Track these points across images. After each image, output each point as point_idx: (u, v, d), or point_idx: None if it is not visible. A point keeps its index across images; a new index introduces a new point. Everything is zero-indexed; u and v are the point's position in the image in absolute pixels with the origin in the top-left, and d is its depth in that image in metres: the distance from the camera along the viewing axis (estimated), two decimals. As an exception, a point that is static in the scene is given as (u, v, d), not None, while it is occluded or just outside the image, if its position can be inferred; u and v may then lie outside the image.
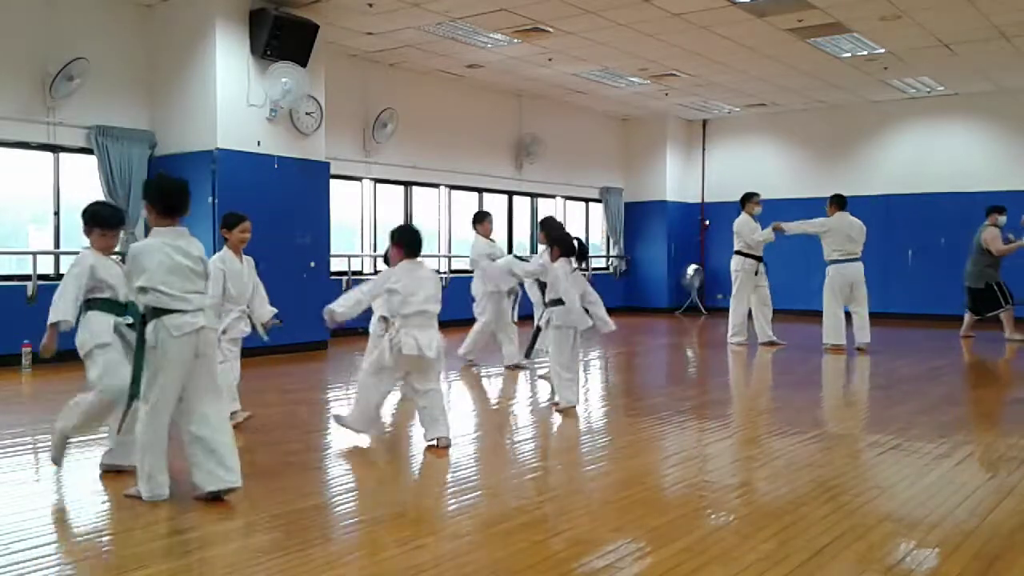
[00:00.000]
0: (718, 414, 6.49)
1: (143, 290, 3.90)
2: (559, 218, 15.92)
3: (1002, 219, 11.42)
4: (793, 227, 10.61)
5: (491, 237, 9.09)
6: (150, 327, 3.91)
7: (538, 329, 6.52)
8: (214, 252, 8.88)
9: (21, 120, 8.63)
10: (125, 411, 4.08)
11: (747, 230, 10.80)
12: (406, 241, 5.27)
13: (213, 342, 4.14)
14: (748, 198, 10.99)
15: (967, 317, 11.70)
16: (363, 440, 5.77)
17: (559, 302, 6.28)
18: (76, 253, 9.80)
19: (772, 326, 10.81)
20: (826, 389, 8.07)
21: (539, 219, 8.87)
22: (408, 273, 5.14)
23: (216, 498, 3.95)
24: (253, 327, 5.86)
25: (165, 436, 3.98)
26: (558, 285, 6.26)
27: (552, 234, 6.69)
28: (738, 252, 10.87)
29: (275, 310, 5.94)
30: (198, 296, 4.01)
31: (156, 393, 3.92)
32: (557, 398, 6.42)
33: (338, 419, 5.40)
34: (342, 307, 5.14)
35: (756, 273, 10.79)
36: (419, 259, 5.28)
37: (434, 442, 5.13)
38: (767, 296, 10.89)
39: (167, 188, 4.12)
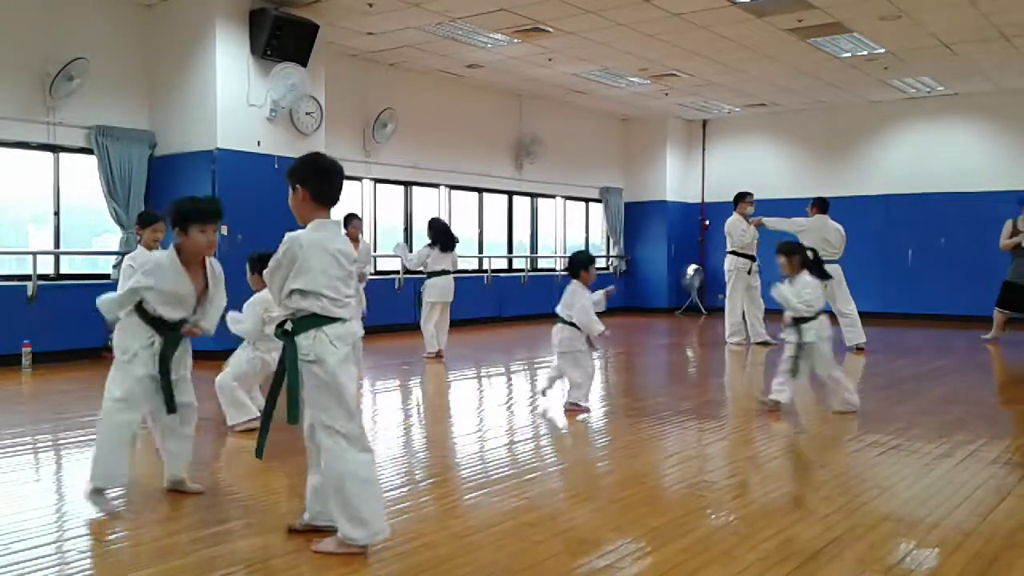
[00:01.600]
0: (718, 414, 6.49)
1: (303, 294, 3.30)
2: (558, 218, 15.97)
3: None
4: (773, 223, 10.76)
5: (359, 238, 9.62)
6: (308, 338, 3.29)
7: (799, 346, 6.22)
8: (214, 251, 8.96)
9: (21, 120, 8.63)
10: (261, 437, 3.51)
11: (738, 231, 10.89)
12: None
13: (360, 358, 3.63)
14: (740, 198, 11.07)
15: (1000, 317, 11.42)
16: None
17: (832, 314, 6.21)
18: (77, 253, 9.83)
19: (765, 325, 10.88)
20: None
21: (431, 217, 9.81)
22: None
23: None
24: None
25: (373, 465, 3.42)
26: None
27: (784, 248, 6.42)
28: (731, 252, 10.93)
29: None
30: (352, 302, 3.50)
31: (338, 417, 3.28)
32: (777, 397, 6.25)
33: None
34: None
35: (749, 272, 10.83)
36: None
37: None
38: (758, 296, 10.97)
39: (330, 169, 3.51)
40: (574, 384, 6.37)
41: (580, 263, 6.43)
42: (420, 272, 9.78)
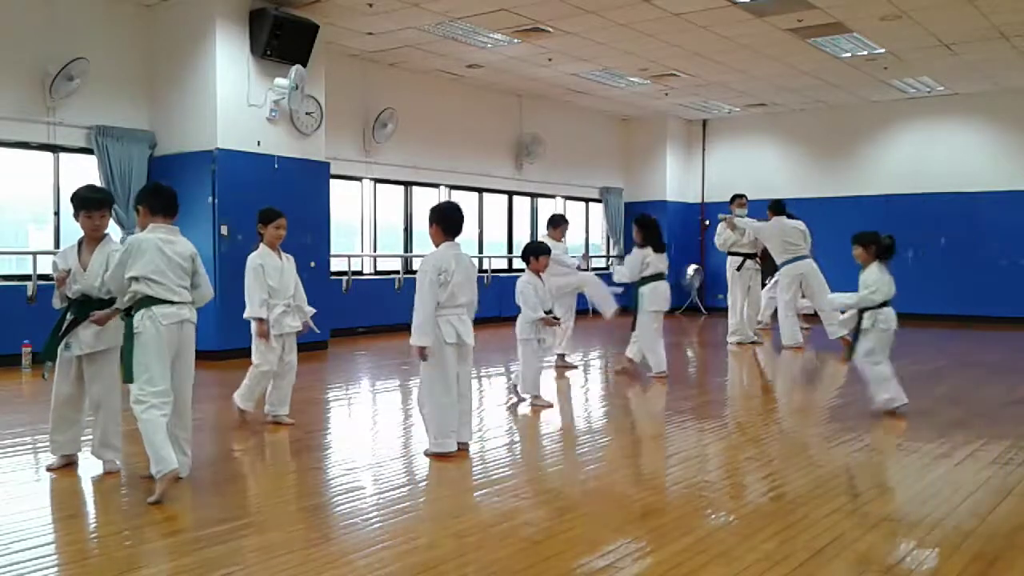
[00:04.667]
0: (718, 414, 6.49)
1: (135, 279, 4.06)
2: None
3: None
4: (739, 223, 10.81)
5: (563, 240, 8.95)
6: (138, 315, 4.06)
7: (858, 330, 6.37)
8: (214, 251, 8.97)
9: (21, 120, 8.62)
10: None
11: (724, 232, 11.03)
12: (443, 220, 5.03)
13: (193, 338, 4.26)
14: (732, 200, 11.16)
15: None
16: (362, 441, 5.78)
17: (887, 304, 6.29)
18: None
19: (755, 326, 11.01)
20: (826, 389, 8.07)
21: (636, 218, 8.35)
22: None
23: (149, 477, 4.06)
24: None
25: (163, 419, 4.05)
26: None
27: (864, 239, 6.66)
28: (730, 252, 11.04)
29: (313, 310, 5.91)
30: (186, 291, 4.20)
31: (146, 378, 4.03)
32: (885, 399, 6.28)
33: (428, 452, 4.97)
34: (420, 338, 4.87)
35: (738, 269, 10.85)
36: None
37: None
38: (757, 296, 11.04)
39: (158, 189, 4.39)
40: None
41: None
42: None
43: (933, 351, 10.44)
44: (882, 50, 11.32)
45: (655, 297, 7.98)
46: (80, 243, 4.52)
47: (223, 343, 8.63)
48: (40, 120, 8.75)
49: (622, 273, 8.16)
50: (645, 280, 7.98)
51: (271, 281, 5.61)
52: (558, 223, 8.97)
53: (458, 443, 4.97)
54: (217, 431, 5.68)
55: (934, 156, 14.53)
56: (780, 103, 15.17)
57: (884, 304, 6.34)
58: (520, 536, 3.56)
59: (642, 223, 8.15)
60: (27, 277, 8.66)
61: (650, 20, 9.94)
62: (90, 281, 4.38)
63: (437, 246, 5.01)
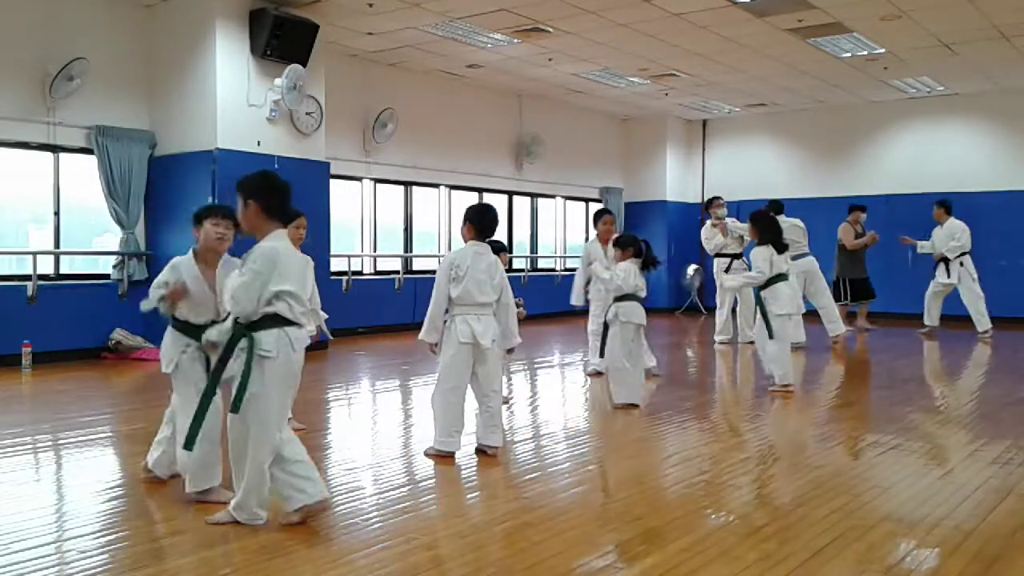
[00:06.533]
0: (717, 414, 6.49)
1: (278, 295, 3.52)
2: (558, 218, 15.97)
3: (863, 216, 12.17)
4: (732, 225, 10.83)
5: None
6: (271, 337, 3.51)
7: (607, 326, 6.62)
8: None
9: (21, 120, 8.62)
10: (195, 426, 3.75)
11: (704, 236, 11.06)
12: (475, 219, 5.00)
13: None
14: (710, 203, 11.16)
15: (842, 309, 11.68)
16: (362, 441, 5.78)
17: (627, 298, 6.54)
18: (77, 253, 9.81)
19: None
20: (826, 389, 8.06)
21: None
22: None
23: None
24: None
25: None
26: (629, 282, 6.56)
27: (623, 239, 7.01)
28: (717, 254, 11.05)
29: (326, 315, 5.84)
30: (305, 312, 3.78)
31: (270, 408, 3.57)
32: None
33: (428, 453, 4.99)
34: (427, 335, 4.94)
35: (727, 270, 10.85)
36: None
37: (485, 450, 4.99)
38: (749, 296, 11.01)
39: (278, 184, 3.71)
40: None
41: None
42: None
43: (933, 351, 10.44)
44: (882, 50, 11.32)
45: (783, 299, 7.28)
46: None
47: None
48: (40, 120, 8.75)
49: (757, 276, 7.39)
50: (770, 281, 7.35)
51: None
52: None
53: (484, 446, 4.97)
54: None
55: (934, 156, 14.53)
56: (780, 103, 15.17)
57: (628, 298, 6.60)
58: (520, 536, 3.56)
59: (758, 219, 7.57)
60: (27, 277, 8.66)
61: (650, 20, 9.94)
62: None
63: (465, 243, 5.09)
